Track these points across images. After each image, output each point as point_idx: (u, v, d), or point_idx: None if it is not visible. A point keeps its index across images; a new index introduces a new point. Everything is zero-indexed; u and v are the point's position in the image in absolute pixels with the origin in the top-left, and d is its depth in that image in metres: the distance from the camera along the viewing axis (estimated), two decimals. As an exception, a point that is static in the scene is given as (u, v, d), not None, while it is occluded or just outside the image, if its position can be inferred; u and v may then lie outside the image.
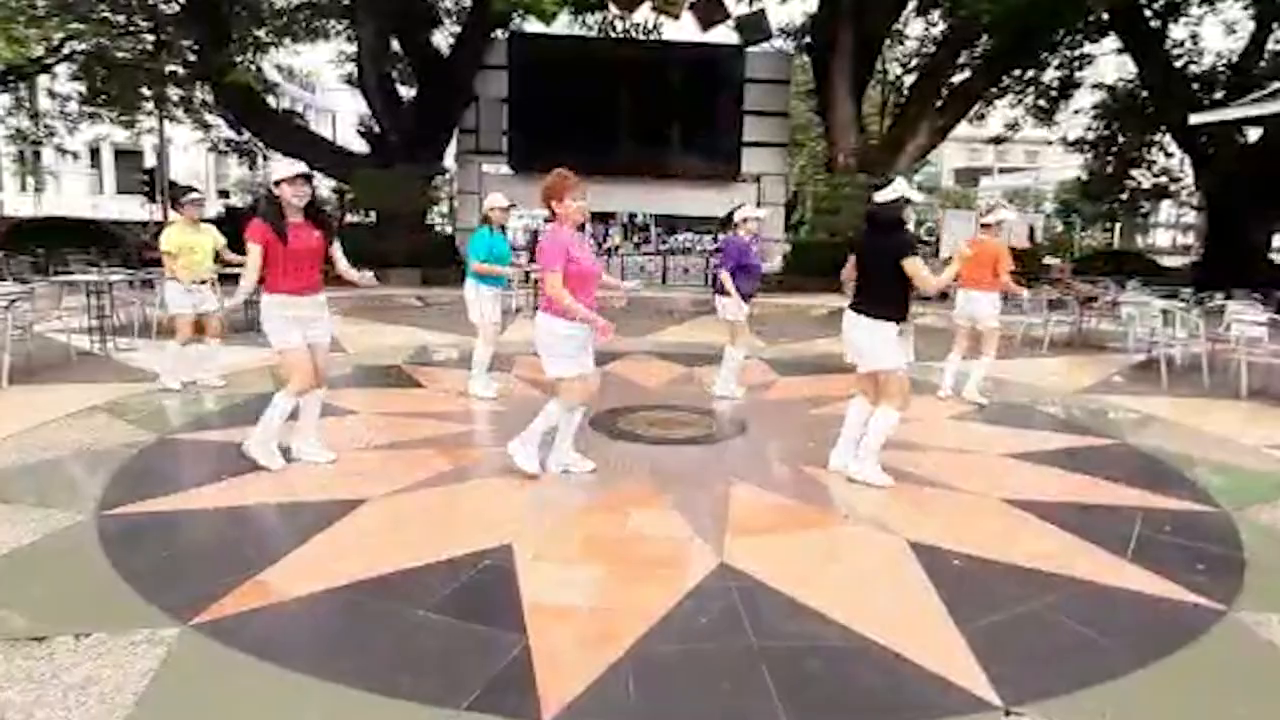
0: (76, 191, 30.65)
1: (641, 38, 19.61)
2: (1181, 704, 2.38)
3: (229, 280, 5.46)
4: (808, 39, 19.03)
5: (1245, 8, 16.89)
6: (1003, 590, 3.04)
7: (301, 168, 4.06)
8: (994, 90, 19.14)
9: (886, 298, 4.07)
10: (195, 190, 6.79)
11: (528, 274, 12.01)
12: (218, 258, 6.11)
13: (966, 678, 2.40)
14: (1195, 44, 18.22)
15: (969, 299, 6.30)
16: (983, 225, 6.39)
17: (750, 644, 2.59)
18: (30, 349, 6.63)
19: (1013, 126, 20.89)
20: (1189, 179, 21.17)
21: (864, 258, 4.19)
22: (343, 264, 4.32)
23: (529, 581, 2.99)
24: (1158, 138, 20.22)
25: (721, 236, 6.60)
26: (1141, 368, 7.93)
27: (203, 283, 5.99)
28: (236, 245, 4.81)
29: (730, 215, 6.23)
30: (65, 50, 16.54)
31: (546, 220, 4.06)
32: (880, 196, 4.12)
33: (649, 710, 2.27)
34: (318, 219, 4.18)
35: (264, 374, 6.79)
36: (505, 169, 17.53)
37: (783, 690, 2.34)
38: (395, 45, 17.25)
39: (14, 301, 6.29)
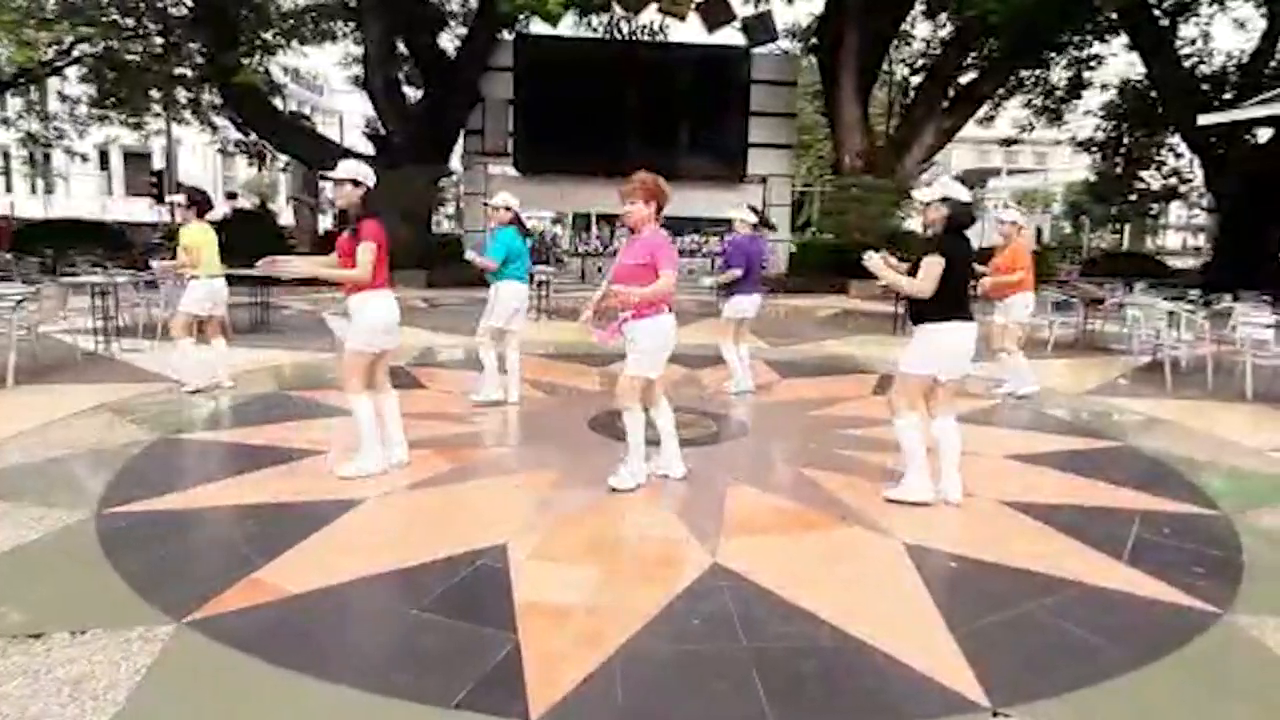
0: (86, 193, 30.89)
1: (647, 39, 19.62)
2: (1172, 706, 2.37)
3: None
4: (814, 40, 19.01)
5: (1257, 6, 16.77)
6: (997, 592, 3.03)
7: (342, 171, 3.96)
8: (1002, 91, 19.07)
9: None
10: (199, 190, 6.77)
11: (530, 275, 12.04)
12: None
13: (956, 679, 2.40)
14: (1205, 44, 18.12)
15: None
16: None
17: (740, 645, 2.59)
18: (36, 349, 6.69)
19: (1025, 128, 20.80)
20: (1199, 180, 21.04)
21: None
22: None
23: (522, 581, 3.00)
24: (1167, 138, 20.11)
25: (728, 237, 6.71)
26: (1146, 370, 7.89)
27: (223, 278, 6.03)
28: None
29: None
30: (75, 53, 16.69)
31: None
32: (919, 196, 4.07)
33: (636, 710, 2.27)
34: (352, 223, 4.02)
35: (270, 374, 6.85)
36: (511, 170, 17.59)
37: (770, 691, 2.34)
38: (401, 47, 17.34)
39: (20, 302, 6.36)
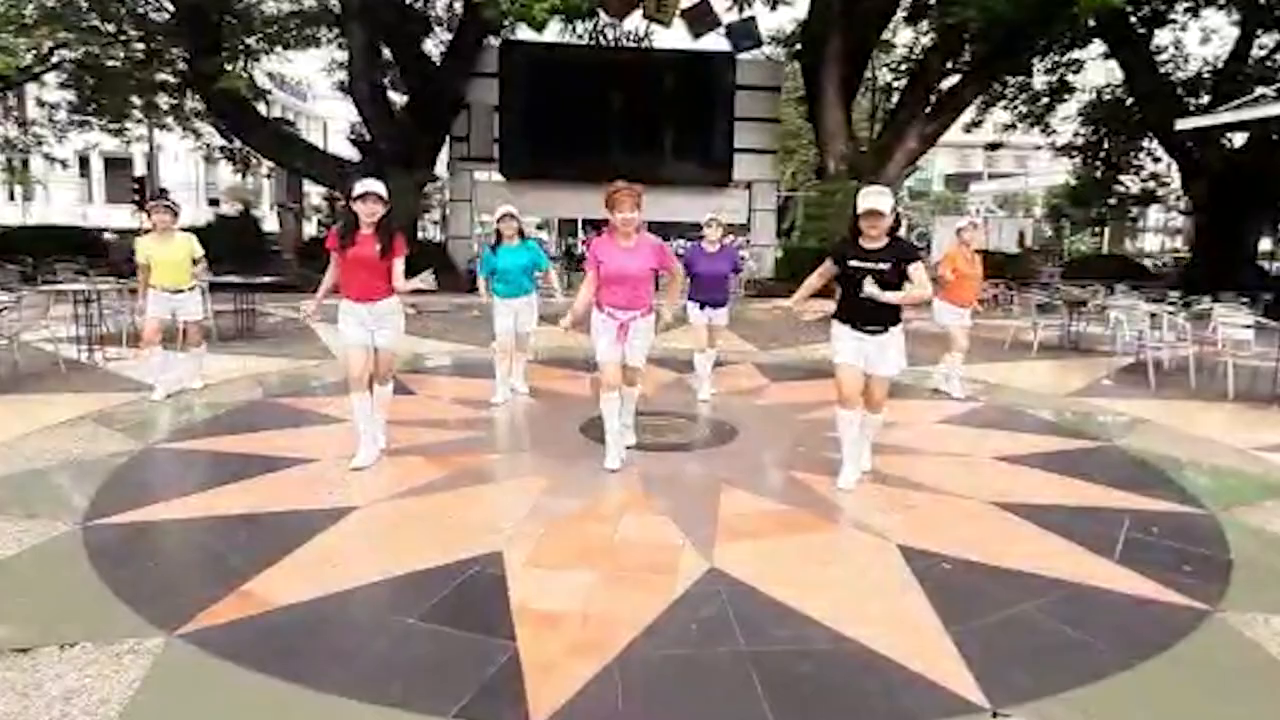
0: (66, 200, 30.50)
1: (632, 45, 19.65)
2: (1167, 704, 2.39)
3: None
4: (798, 46, 19.12)
5: (1229, 15, 17.07)
6: (991, 593, 3.05)
7: (367, 186, 4.31)
8: (985, 97, 19.27)
9: None
10: (164, 196, 6.58)
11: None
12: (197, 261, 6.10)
13: (954, 680, 2.41)
14: (1181, 50, 18.41)
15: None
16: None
17: (739, 649, 2.60)
18: (17, 359, 6.59)
19: (1008, 127, 20.98)
20: (1176, 184, 21.35)
21: None
22: (400, 281, 4.49)
23: (519, 588, 2.99)
24: (1145, 143, 20.40)
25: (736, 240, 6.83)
26: (1129, 370, 7.98)
27: (178, 291, 6.00)
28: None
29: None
30: (54, 59, 16.48)
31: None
32: None
33: (638, 715, 2.27)
34: (385, 235, 4.37)
35: (251, 382, 6.78)
36: (497, 176, 17.56)
37: (771, 695, 2.34)
38: (386, 53, 17.26)
39: (1, 310, 6.26)
